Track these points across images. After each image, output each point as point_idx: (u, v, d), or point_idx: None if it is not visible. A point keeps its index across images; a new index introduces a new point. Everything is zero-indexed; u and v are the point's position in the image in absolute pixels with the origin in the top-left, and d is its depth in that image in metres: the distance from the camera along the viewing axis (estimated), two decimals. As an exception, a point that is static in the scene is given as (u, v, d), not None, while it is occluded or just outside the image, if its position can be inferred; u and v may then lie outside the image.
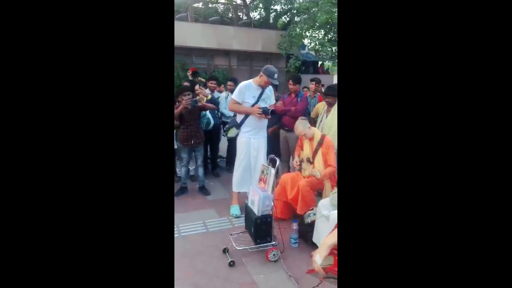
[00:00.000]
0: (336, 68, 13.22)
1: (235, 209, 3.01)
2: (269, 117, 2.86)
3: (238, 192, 3.03)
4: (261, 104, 2.84)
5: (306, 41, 11.45)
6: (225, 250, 2.32)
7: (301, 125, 2.76)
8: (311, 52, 12.40)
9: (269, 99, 2.94)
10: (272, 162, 2.42)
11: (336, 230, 1.14)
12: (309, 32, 10.39)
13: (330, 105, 3.18)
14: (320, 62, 13.02)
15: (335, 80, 16.20)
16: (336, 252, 1.03)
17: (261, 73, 2.78)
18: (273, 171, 2.22)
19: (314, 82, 4.48)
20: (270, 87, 2.95)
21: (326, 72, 14.07)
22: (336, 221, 1.97)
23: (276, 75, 2.79)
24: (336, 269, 1.03)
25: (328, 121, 3.12)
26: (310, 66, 13.58)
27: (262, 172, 2.36)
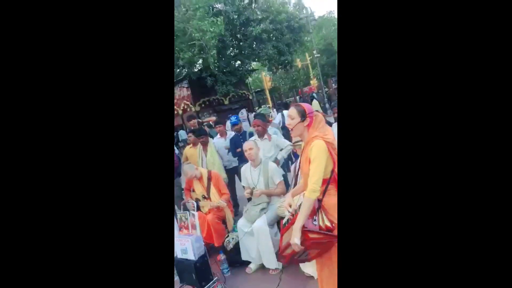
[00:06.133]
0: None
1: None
2: None
3: None
4: None
5: None
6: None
7: (189, 170, 3.01)
8: None
9: None
10: (187, 207, 2.55)
11: (297, 216, 1.51)
12: None
13: (204, 144, 3.59)
14: None
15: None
16: (305, 229, 1.41)
17: None
18: (196, 213, 2.38)
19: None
20: None
21: None
22: (260, 230, 2.37)
23: None
24: (315, 235, 1.41)
25: (210, 158, 3.51)
26: None
27: (180, 219, 2.46)
